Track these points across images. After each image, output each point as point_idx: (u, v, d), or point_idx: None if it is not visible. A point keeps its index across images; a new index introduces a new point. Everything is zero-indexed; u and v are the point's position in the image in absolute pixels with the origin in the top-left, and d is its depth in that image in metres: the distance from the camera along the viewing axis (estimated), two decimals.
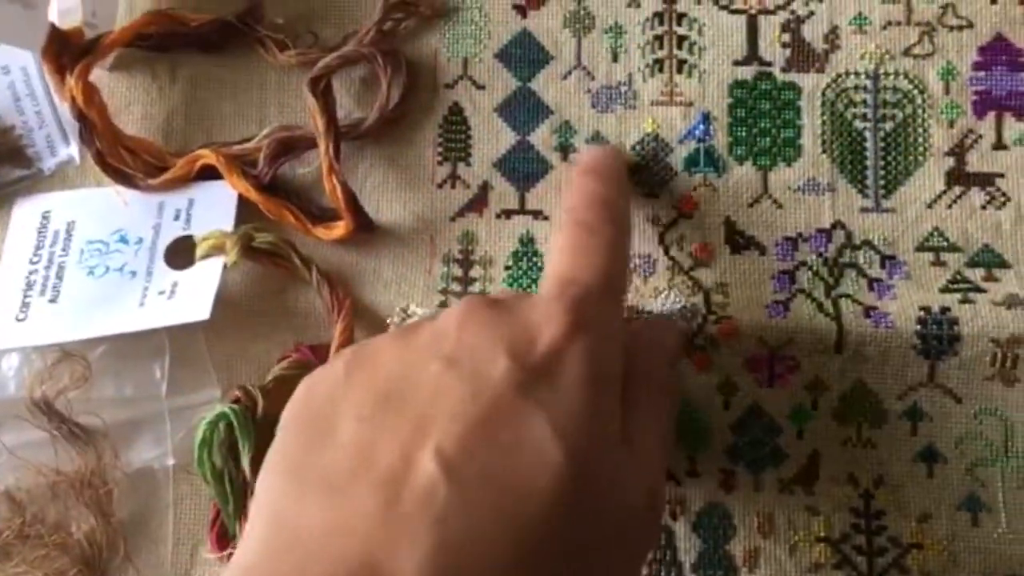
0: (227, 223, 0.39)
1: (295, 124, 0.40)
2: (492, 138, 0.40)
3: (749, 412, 0.37)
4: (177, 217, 0.39)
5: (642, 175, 0.39)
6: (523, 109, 0.40)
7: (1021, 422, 0.37)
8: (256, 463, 0.37)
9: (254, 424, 0.37)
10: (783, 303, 0.38)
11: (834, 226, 0.38)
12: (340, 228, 0.39)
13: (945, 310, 0.37)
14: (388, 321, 0.38)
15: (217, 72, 0.41)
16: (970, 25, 0.39)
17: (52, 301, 0.38)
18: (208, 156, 0.39)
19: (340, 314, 0.38)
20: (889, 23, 0.39)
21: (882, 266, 0.38)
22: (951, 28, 0.39)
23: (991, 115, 0.39)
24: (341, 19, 0.41)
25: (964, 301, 0.37)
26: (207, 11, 0.41)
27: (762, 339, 0.37)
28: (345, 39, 0.41)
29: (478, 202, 0.40)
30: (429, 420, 0.26)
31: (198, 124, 0.41)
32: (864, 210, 0.38)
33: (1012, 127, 0.39)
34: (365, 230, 0.39)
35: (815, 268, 0.38)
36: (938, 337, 0.37)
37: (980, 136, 0.39)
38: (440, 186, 0.40)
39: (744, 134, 0.39)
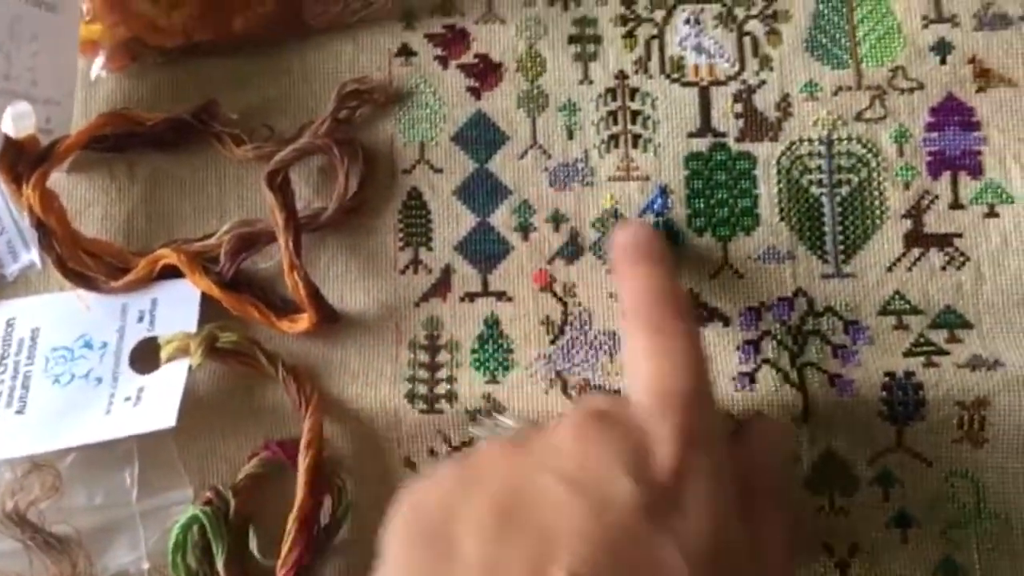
0: (191, 321, 0.39)
1: (255, 217, 0.40)
2: (452, 221, 0.40)
3: None
4: (141, 319, 0.39)
5: None
6: (482, 191, 0.40)
7: (992, 483, 0.37)
8: (230, 565, 0.37)
9: (227, 525, 0.37)
10: (749, 375, 0.38)
11: (796, 294, 0.39)
12: (304, 321, 0.39)
13: (909, 375, 0.37)
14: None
15: (175, 169, 0.41)
16: (921, 87, 0.39)
17: (19, 412, 0.38)
18: (169, 255, 0.39)
19: (308, 409, 0.38)
20: (840, 88, 0.40)
21: (845, 332, 0.38)
22: (902, 91, 0.39)
23: (946, 175, 0.39)
24: (296, 110, 0.41)
25: (928, 364, 0.37)
26: (162, 109, 0.41)
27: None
28: (301, 130, 0.41)
29: (441, 286, 0.40)
30: (555, 539, 0.27)
31: (159, 222, 0.41)
32: (825, 276, 0.39)
33: (968, 186, 0.39)
34: (330, 321, 0.39)
35: (779, 337, 0.38)
36: (904, 403, 0.37)
37: (936, 196, 0.39)
38: (403, 272, 0.40)
39: (702, 206, 0.39)
